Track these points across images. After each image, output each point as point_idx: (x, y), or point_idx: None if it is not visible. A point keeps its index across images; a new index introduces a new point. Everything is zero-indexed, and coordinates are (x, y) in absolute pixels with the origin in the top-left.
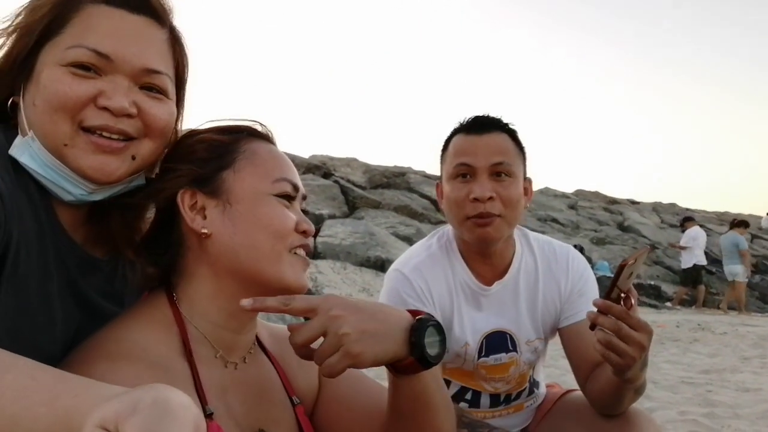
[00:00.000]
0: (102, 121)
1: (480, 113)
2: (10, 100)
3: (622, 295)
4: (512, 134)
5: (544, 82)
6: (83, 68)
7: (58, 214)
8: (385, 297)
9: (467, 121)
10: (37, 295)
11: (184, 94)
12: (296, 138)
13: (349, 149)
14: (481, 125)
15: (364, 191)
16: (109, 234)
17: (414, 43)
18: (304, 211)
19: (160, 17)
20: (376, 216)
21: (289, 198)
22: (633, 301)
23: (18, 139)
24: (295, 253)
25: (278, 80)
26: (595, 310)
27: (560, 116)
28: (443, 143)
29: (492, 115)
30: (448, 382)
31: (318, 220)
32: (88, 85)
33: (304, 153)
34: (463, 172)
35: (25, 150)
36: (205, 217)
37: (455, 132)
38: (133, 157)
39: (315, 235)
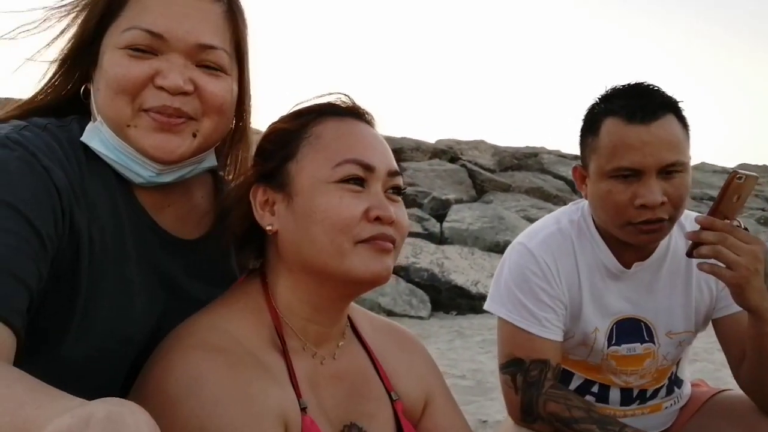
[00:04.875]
0: (159, 101)
1: (634, 82)
2: (83, 88)
3: (727, 221)
4: (678, 111)
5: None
6: (139, 50)
7: (139, 198)
8: (507, 272)
9: (624, 100)
10: (114, 278)
11: (246, 68)
12: (423, 123)
13: (477, 131)
14: (646, 110)
15: (492, 174)
16: (195, 214)
17: (542, 12)
18: (407, 195)
19: None
20: (505, 199)
21: (358, 181)
22: (740, 224)
23: (89, 125)
24: (366, 244)
25: (404, 65)
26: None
27: (715, 81)
28: (587, 120)
29: (650, 84)
30: (570, 374)
31: (444, 205)
32: (145, 65)
33: (431, 138)
34: (626, 174)
35: (95, 135)
36: (274, 213)
37: (608, 112)
38: (194, 135)
39: (441, 220)
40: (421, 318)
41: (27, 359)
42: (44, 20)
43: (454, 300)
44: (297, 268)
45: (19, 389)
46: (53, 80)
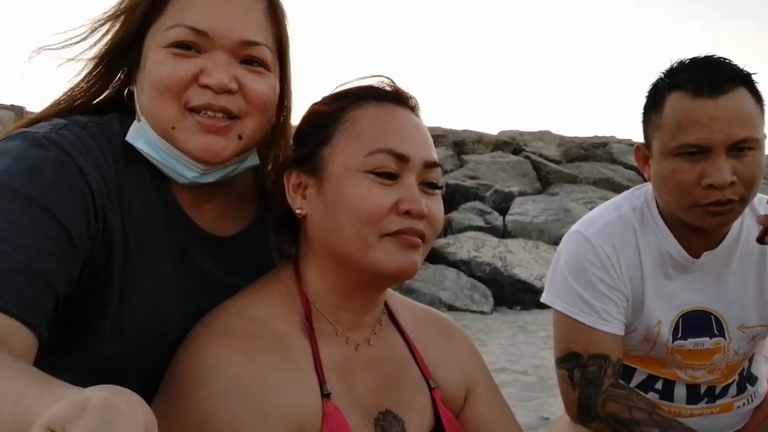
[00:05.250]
0: (204, 100)
1: (702, 55)
2: (126, 90)
3: None
4: (751, 84)
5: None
6: (184, 47)
7: (177, 197)
8: (563, 262)
9: (690, 73)
10: (148, 277)
11: (288, 66)
12: (485, 115)
13: (542, 122)
14: (714, 83)
15: (558, 165)
16: (233, 211)
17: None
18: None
19: None
20: (572, 191)
21: (389, 175)
22: None
23: (133, 125)
24: (392, 237)
25: (465, 56)
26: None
27: None
28: (650, 96)
29: (720, 57)
30: (632, 370)
31: (507, 198)
32: (189, 63)
33: (493, 130)
34: (692, 151)
35: (140, 135)
36: (305, 197)
37: (672, 87)
38: (240, 137)
39: (504, 214)
40: (483, 313)
41: (62, 357)
42: (91, 31)
43: (517, 295)
44: (324, 254)
45: (21, 381)
46: (92, 78)
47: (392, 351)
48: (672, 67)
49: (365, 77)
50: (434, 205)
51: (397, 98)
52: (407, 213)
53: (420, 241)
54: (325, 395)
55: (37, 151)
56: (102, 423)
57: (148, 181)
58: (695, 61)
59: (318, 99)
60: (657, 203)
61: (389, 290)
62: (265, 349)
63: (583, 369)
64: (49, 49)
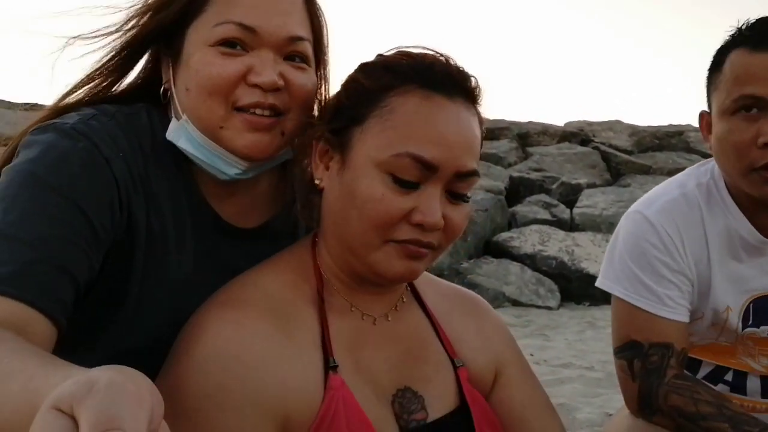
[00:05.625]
0: (254, 99)
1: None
2: (162, 87)
3: None
4: None
5: None
6: (230, 45)
7: (203, 190)
8: (621, 244)
9: (752, 30)
10: (172, 269)
11: (326, 60)
12: (551, 107)
13: (612, 112)
14: None
15: (630, 156)
16: (258, 203)
17: None
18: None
19: None
20: (645, 182)
21: (407, 183)
22: None
23: (173, 124)
24: (396, 244)
25: (530, 48)
26: None
27: None
28: (713, 59)
29: None
30: (697, 362)
31: (575, 190)
32: (237, 62)
33: (559, 121)
34: (748, 105)
35: (182, 134)
36: (328, 168)
37: (732, 44)
38: (282, 133)
39: (571, 206)
40: (549, 308)
41: (83, 353)
42: (126, 22)
43: (585, 290)
44: (331, 236)
45: (31, 363)
46: (112, 65)
47: (413, 327)
48: (739, 27)
49: (424, 47)
50: (456, 215)
51: (450, 86)
52: (420, 225)
53: (426, 251)
54: (332, 367)
55: (65, 141)
56: (109, 402)
57: (174, 173)
58: (761, 19)
59: (366, 60)
60: (725, 179)
61: None
62: (260, 317)
63: (644, 359)
64: (84, 38)
